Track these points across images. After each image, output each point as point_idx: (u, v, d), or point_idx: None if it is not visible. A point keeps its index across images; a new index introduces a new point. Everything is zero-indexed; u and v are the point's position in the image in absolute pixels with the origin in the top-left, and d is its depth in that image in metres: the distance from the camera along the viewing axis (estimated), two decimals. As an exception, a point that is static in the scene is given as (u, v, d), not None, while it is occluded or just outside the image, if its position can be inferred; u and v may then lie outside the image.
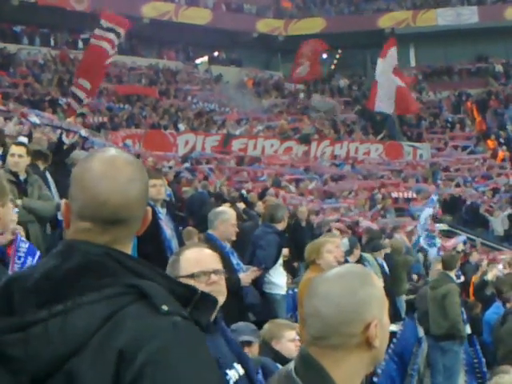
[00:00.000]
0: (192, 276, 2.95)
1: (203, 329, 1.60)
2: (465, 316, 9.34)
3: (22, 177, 6.96)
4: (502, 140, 30.36)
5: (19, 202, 6.47)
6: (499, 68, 36.26)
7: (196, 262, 3.00)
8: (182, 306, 1.58)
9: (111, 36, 12.81)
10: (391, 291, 10.33)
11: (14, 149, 7.03)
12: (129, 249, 1.69)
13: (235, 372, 2.86)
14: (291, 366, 1.86)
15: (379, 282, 1.90)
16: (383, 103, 22.87)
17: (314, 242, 6.70)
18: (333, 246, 6.52)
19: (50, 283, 1.55)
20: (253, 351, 4.61)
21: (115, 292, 1.53)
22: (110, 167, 1.65)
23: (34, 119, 14.08)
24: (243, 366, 2.91)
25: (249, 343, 4.63)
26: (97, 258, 1.58)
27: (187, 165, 20.67)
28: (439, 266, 10.02)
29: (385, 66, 23.07)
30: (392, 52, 23.33)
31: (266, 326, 5.18)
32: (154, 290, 1.54)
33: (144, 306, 1.52)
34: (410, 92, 23.13)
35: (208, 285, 2.97)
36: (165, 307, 1.52)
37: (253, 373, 2.95)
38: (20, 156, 6.95)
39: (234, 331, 4.71)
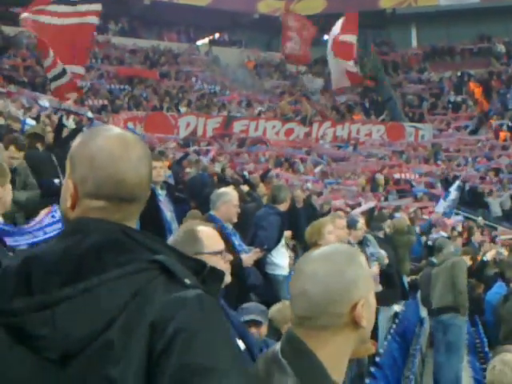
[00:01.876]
0: (220, 253, 3.03)
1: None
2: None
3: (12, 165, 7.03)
4: (504, 120, 30.26)
5: None
6: (501, 48, 36.08)
7: (217, 239, 3.07)
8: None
9: (87, 7, 11.74)
10: (398, 271, 10.40)
11: (13, 151, 7.07)
12: (135, 224, 1.74)
13: None
14: (277, 347, 1.85)
15: (365, 262, 1.90)
16: (339, 80, 22.46)
17: (314, 224, 6.72)
18: (334, 226, 6.55)
19: (70, 261, 1.57)
20: (261, 332, 4.63)
21: (138, 268, 1.56)
22: (123, 145, 1.68)
23: (44, 102, 14.07)
24: (244, 342, 2.93)
25: (257, 323, 4.64)
26: (114, 235, 1.61)
27: (196, 147, 20.65)
28: (451, 249, 10.08)
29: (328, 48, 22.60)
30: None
31: (278, 308, 5.17)
32: (174, 265, 1.59)
33: (168, 281, 1.56)
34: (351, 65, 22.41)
35: (225, 262, 3.07)
36: (187, 281, 1.57)
37: (254, 348, 2.98)
38: (18, 158, 7.06)
39: (243, 310, 4.73)
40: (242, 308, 4.83)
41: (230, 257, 3.12)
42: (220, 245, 3.04)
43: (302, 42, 29.94)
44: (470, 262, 9.85)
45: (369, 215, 13.38)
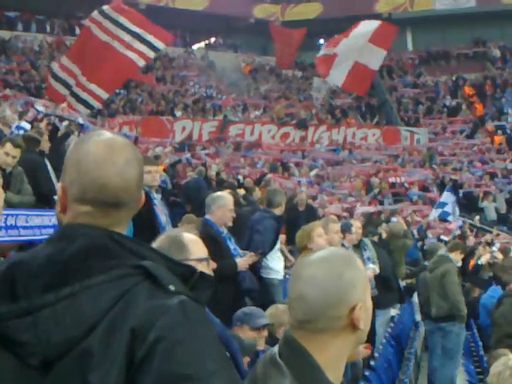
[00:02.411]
0: (206, 260, 3.02)
1: (204, 307, 1.66)
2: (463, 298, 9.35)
3: (8, 169, 7.05)
4: (499, 124, 30.31)
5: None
6: (496, 52, 36.18)
7: (202, 246, 3.05)
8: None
9: (144, 49, 11.86)
10: (395, 274, 10.41)
11: (9, 148, 7.08)
12: (126, 230, 1.72)
13: None
14: (275, 349, 1.86)
15: (362, 265, 1.91)
16: (336, 76, 21.85)
17: (304, 228, 6.77)
18: (325, 230, 6.58)
19: (54, 267, 1.57)
20: (264, 334, 4.66)
21: (122, 273, 1.56)
22: (109, 150, 1.67)
23: (40, 108, 14.08)
24: (228, 350, 2.92)
25: (265, 326, 4.68)
26: (100, 241, 1.60)
27: (188, 155, 20.63)
28: (441, 252, 10.06)
29: (350, 43, 21.59)
30: (364, 28, 21.54)
31: (271, 312, 5.18)
32: (159, 271, 1.58)
33: (152, 286, 1.55)
34: (369, 74, 21.53)
35: (210, 269, 3.04)
36: (172, 287, 1.56)
37: (237, 355, 2.96)
38: (14, 157, 7.07)
39: (248, 315, 4.73)
40: (250, 314, 4.81)
41: (214, 264, 3.11)
42: (205, 252, 3.03)
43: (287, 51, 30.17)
44: (460, 257, 9.74)
45: (366, 220, 13.40)
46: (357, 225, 9.33)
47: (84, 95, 11.80)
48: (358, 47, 20.13)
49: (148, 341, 1.48)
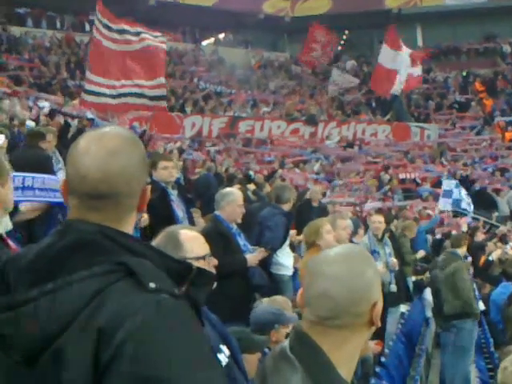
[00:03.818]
0: (203, 258, 2.96)
1: (200, 305, 1.62)
2: (477, 293, 9.29)
3: None
4: (510, 120, 30.16)
5: None
6: (507, 48, 36.03)
7: (201, 243, 3.01)
8: (178, 283, 1.58)
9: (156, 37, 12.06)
10: (402, 272, 10.37)
11: None
12: (128, 227, 1.68)
13: (224, 355, 2.85)
14: (286, 343, 1.88)
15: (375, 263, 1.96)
16: (395, 88, 23.73)
17: (311, 224, 6.73)
18: (333, 226, 6.55)
19: (42, 262, 1.56)
20: None
21: (103, 270, 1.53)
22: (94, 142, 1.65)
23: (42, 104, 14.13)
24: (228, 348, 2.88)
25: None
26: (90, 237, 1.58)
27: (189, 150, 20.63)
28: (450, 248, 10.01)
29: (404, 57, 24.31)
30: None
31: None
32: (142, 267, 1.53)
33: (131, 284, 1.51)
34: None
35: (210, 267, 2.99)
36: (152, 284, 1.51)
37: (237, 353, 2.93)
38: (1, 147, 7.08)
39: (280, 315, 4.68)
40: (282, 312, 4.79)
41: (215, 261, 3.06)
42: (204, 249, 2.96)
43: (322, 55, 30.55)
44: (465, 249, 9.67)
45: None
46: (378, 219, 9.29)
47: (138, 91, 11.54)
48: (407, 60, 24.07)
49: (114, 342, 1.44)
